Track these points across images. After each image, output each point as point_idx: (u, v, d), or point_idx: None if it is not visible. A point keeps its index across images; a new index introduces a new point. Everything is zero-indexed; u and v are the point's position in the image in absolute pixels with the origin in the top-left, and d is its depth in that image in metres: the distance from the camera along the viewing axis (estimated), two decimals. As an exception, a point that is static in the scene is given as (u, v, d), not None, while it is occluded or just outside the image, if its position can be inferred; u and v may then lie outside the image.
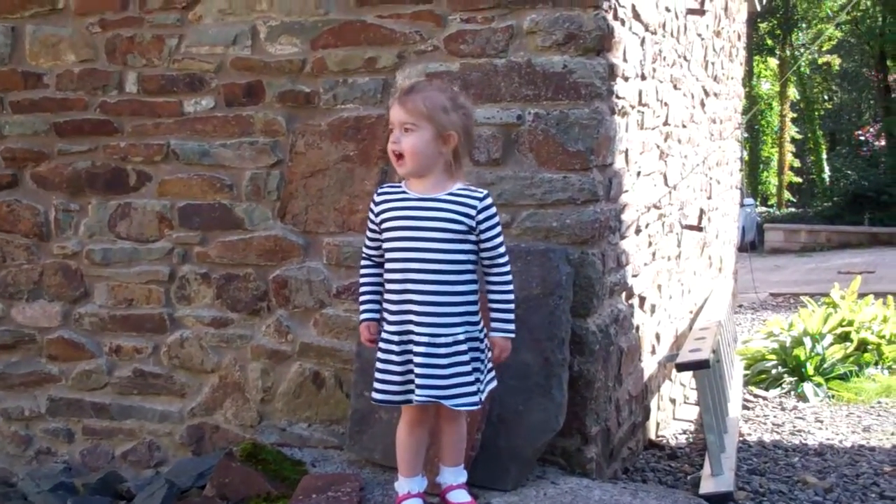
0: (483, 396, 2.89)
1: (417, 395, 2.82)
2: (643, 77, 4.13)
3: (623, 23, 3.71)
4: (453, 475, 3.01)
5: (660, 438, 4.83)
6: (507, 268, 2.90)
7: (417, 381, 2.81)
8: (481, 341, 2.89)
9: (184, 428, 4.11)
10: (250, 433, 3.99)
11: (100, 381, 4.19)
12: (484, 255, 2.87)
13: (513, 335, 2.92)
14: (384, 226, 2.89)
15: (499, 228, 2.87)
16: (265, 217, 3.92)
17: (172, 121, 3.98)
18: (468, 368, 2.83)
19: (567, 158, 3.51)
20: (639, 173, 4.17)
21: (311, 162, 3.83)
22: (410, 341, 2.84)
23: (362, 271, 3.02)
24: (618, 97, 3.68)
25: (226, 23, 3.87)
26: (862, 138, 32.09)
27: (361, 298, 3.01)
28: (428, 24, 3.62)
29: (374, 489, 3.31)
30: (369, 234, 2.97)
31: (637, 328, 4.25)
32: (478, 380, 2.87)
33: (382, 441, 3.47)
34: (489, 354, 2.92)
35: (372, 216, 2.94)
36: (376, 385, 2.90)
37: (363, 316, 3.00)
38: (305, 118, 3.82)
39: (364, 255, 3.01)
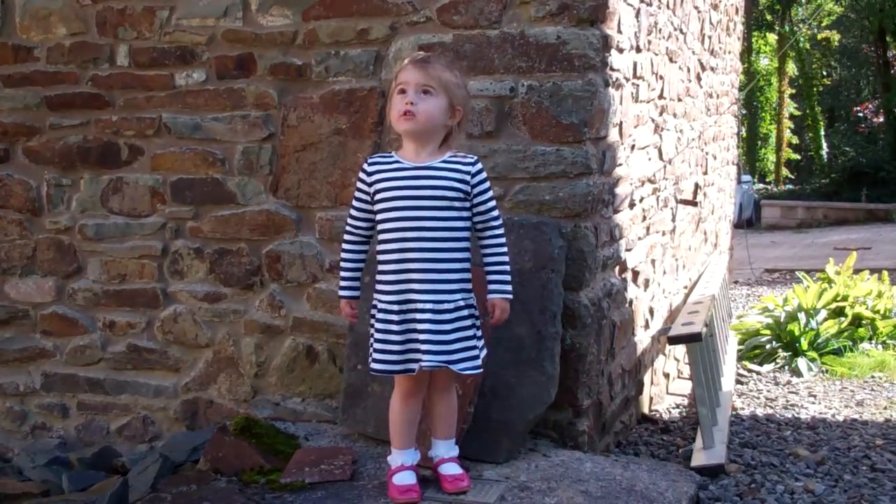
0: (482, 361, 2.93)
1: (426, 362, 2.83)
2: (638, 49, 4.11)
3: (617, -6, 3.68)
4: (445, 448, 3.03)
5: (653, 412, 4.84)
6: (502, 230, 2.94)
7: (424, 347, 2.83)
8: (475, 308, 2.92)
9: (178, 403, 4.11)
10: (244, 408, 3.99)
11: (94, 356, 4.19)
12: (478, 219, 2.91)
13: (510, 296, 2.94)
14: (378, 196, 2.89)
15: (491, 192, 2.93)
16: (258, 191, 3.91)
17: (164, 94, 3.96)
18: (470, 333, 2.88)
19: (560, 131, 3.50)
20: (633, 147, 4.15)
21: (304, 135, 3.81)
22: (412, 310, 2.85)
23: (346, 245, 3.00)
24: (612, 69, 3.66)
25: (216, -6, 3.84)
26: (861, 115, 32.04)
27: (344, 274, 3.01)
28: (421, -5, 3.59)
29: (366, 462, 3.32)
30: (358, 205, 2.95)
31: (630, 302, 4.25)
32: (476, 346, 2.91)
33: (375, 415, 3.47)
34: (479, 321, 2.95)
35: (363, 187, 2.93)
36: (376, 356, 2.91)
37: (346, 293, 3.01)
38: (297, 91, 3.80)
39: (349, 228, 2.99)
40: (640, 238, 4.40)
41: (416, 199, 2.85)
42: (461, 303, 2.87)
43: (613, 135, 3.77)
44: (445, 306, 2.84)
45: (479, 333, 2.94)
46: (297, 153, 3.83)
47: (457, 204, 2.86)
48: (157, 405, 4.14)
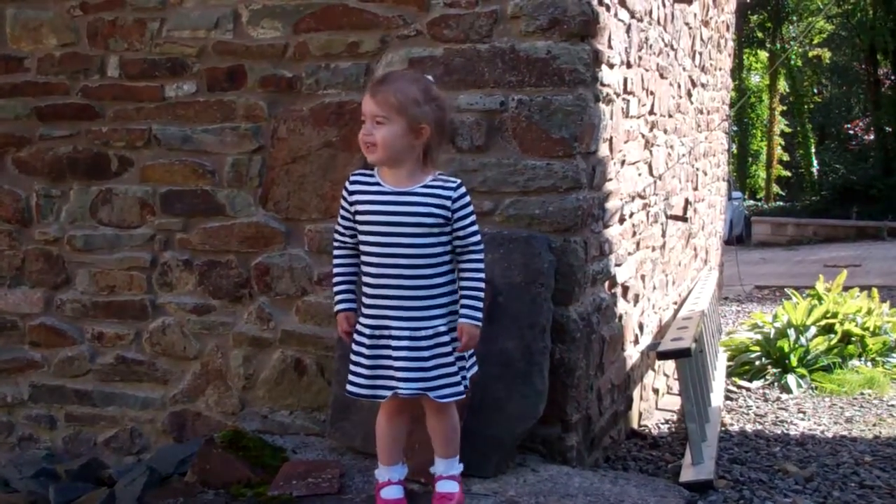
0: (467, 384, 2.88)
1: (402, 390, 2.79)
2: (629, 65, 4.12)
3: (608, 9, 3.69)
4: (445, 466, 2.98)
5: (642, 428, 4.83)
6: (480, 255, 2.85)
7: (400, 374, 2.79)
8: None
9: (166, 415, 4.09)
10: (232, 420, 3.98)
11: (82, 367, 4.17)
12: (457, 243, 2.82)
13: (479, 323, 2.83)
14: (358, 217, 2.86)
15: (472, 217, 2.84)
16: (247, 203, 3.90)
17: (154, 106, 3.96)
18: (451, 359, 2.82)
19: (550, 145, 3.50)
20: (623, 162, 4.16)
21: (293, 148, 3.81)
22: (386, 336, 2.81)
23: (336, 259, 2.96)
24: (602, 84, 3.67)
25: (207, 6, 3.84)
26: (851, 132, 32.18)
27: (336, 288, 2.96)
28: (411, 8, 3.60)
29: (354, 475, 3.31)
30: (342, 220, 2.92)
31: (620, 317, 4.25)
32: (462, 368, 2.86)
33: (363, 428, 3.46)
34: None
35: (345, 203, 2.90)
36: (349, 377, 2.88)
37: (340, 306, 2.94)
38: (287, 103, 3.80)
39: (337, 241, 2.95)
40: (629, 253, 4.41)
41: (393, 226, 2.79)
42: (441, 328, 2.80)
43: (603, 150, 3.78)
44: (422, 333, 2.79)
45: (468, 354, 2.89)
46: (287, 165, 3.83)
47: (436, 230, 2.79)
48: (144, 417, 4.12)
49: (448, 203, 2.79)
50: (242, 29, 3.82)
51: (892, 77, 27.57)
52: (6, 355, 4.26)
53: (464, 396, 2.88)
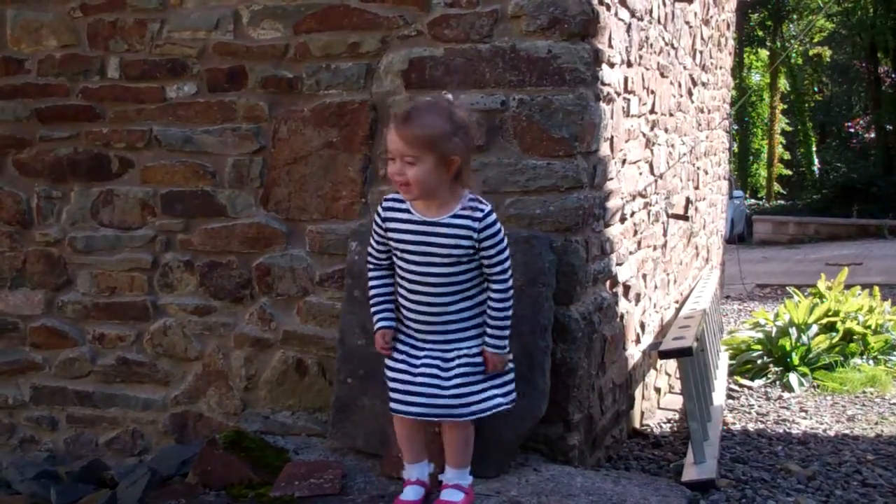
0: (494, 405, 2.93)
1: (420, 414, 2.89)
2: (629, 64, 4.12)
3: (609, 8, 3.69)
4: (453, 475, 2.98)
5: (644, 427, 4.83)
6: (506, 285, 2.88)
7: (420, 399, 2.87)
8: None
9: (167, 416, 4.09)
10: (234, 421, 3.97)
11: (83, 369, 4.17)
12: (485, 269, 2.88)
13: (500, 351, 2.91)
14: (390, 241, 2.92)
15: (499, 246, 2.85)
16: (248, 204, 3.90)
17: (155, 107, 3.95)
18: (476, 378, 2.89)
19: (551, 145, 3.50)
20: (624, 161, 4.16)
21: (294, 148, 3.81)
22: (413, 356, 2.92)
23: (372, 280, 3.02)
24: (603, 83, 3.66)
25: (208, 7, 3.84)
26: (852, 130, 32.20)
27: (375, 308, 3.00)
28: (412, 9, 3.60)
29: (356, 476, 3.31)
30: (376, 238, 2.97)
31: (621, 317, 4.25)
32: (492, 388, 2.92)
33: (365, 428, 3.46)
34: (511, 365, 2.99)
35: (378, 226, 2.95)
36: (391, 395, 2.94)
37: (378, 324, 2.99)
38: (288, 104, 3.80)
39: (371, 260, 3.01)
40: (631, 252, 4.41)
41: (423, 255, 2.85)
42: (469, 351, 2.88)
43: (604, 149, 3.78)
44: (449, 355, 2.88)
45: (503, 381, 2.95)
46: (288, 166, 3.83)
47: (465, 259, 2.84)
48: (146, 418, 4.12)
49: (474, 234, 2.82)
50: (243, 30, 3.82)
51: (893, 75, 27.59)
52: (7, 357, 4.26)
53: (478, 416, 2.92)
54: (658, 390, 5.42)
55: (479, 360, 2.89)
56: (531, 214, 3.52)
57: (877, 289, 7.48)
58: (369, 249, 3.02)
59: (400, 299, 2.95)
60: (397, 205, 2.91)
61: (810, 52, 33.15)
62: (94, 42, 3.99)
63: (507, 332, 2.91)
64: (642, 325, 4.76)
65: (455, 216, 2.82)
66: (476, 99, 3.53)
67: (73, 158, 4.08)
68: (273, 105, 3.82)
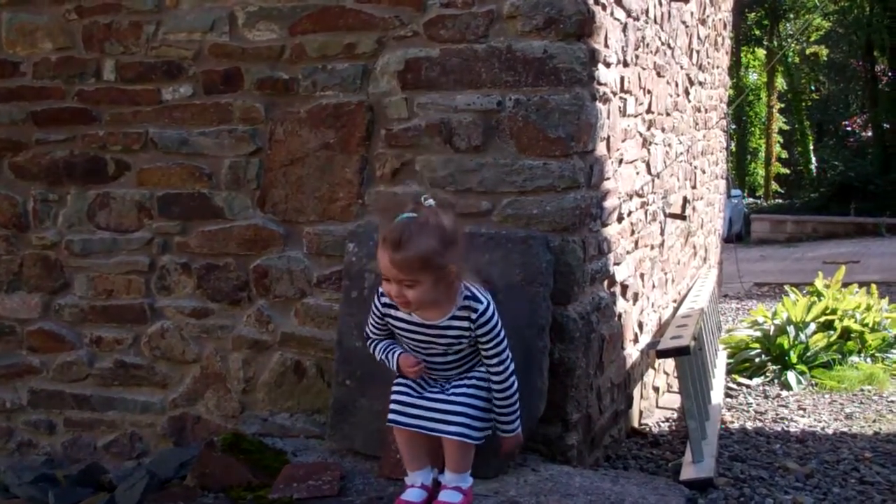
0: (489, 433, 2.99)
1: (413, 423, 2.95)
2: (625, 63, 4.12)
3: (604, 7, 3.69)
4: (454, 479, 2.98)
5: (642, 426, 4.83)
6: (505, 374, 2.92)
7: (434, 414, 2.93)
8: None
9: (165, 419, 4.08)
10: (232, 423, 3.97)
11: (81, 372, 4.16)
12: (483, 355, 2.93)
13: (512, 434, 3.01)
14: (391, 326, 2.99)
15: (497, 337, 2.89)
16: (245, 206, 3.89)
17: (151, 109, 3.95)
18: (480, 403, 2.94)
19: (548, 145, 3.50)
20: (621, 160, 4.16)
21: (291, 150, 3.80)
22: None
23: (372, 347, 3.08)
24: (599, 83, 3.66)
25: (203, 8, 3.83)
26: (849, 129, 32.23)
27: (383, 354, 3.05)
28: (408, 9, 3.59)
29: (354, 478, 3.31)
30: (374, 324, 3.03)
31: (619, 316, 4.25)
32: (491, 421, 2.99)
33: (363, 430, 3.46)
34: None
35: (377, 311, 3.00)
36: (392, 406, 3.00)
37: (395, 357, 3.01)
38: (284, 105, 3.80)
39: (370, 335, 3.07)
40: (628, 252, 4.41)
41: (422, 345, 2.93)
42: (472, 382, 2.95)
43: (601, 149, 3.78)
44: (455, 382, 2.97)
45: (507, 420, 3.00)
46: (285, 168, 3.82)
47: (463, 348, 2.92)
48: (144, 421, 4.11)
49: (471, 326, 2.87)
50: (238, 31, 3.81)
51: (890, 73, 27.62)
52: (5, 361, 4.25)
53: (476, 441, 2.96)
54: (656, 389, 5.42)
55: (482, 392, 2.94)
56: (528, 214, 3.52)
57: (874, 287, 7.48)
58: (367, 327, 3.07)
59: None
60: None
61: (807, 51, 33.20)
62: (90, 44, 3.99)
63: (515, 415, 2.97)
64: (640, 325, 4.76)
65: (453, 318, 2.87)
66: (472, 99, 3.53)
67: (70, 161, 4.07)
68: (269, 106, 3.82)
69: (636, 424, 4.76)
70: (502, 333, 2.91)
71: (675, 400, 5.47)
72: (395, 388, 3.02)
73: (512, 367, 2.93)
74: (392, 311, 2.96)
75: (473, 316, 2.86)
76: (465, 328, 2.87)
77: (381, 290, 2.96)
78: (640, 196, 4.64)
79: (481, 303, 2.87)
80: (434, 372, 2.98)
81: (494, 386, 2.93)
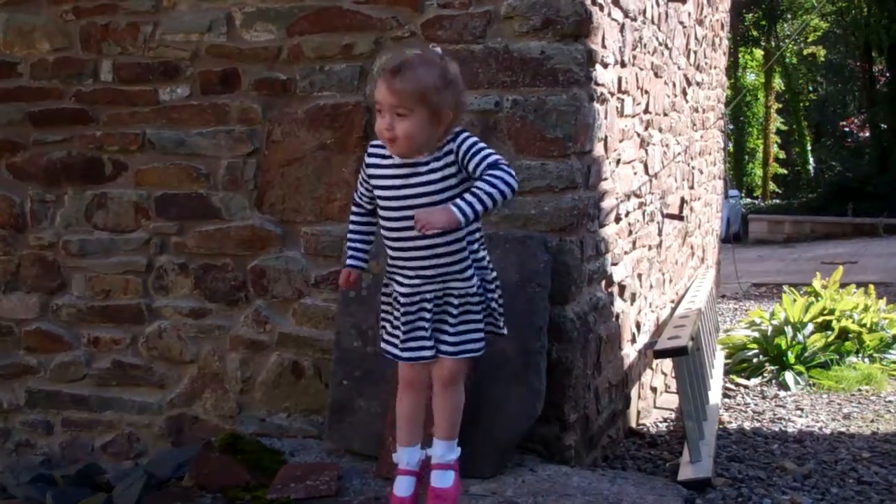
0: (482, 345, 2.86)
1: (418, 353, 2.81)
2: (623, 64, 4.12)
3: (602, 8, 3.69)
4: (442, 449, 2.89)
5: (640, 427, 4.83)
6: (510, 171, 2.61)
7: (418, 333, 2.80)
8: (485, 284, 2.84)
9: (163, 419, 4.09)
10: (230, 424, 3.97)
11: (78, 372, 4.17)
12: (477, 169, 2.65)
13: (459, 218, 2.56)
14: (373, 187, 2.82)
15: (479, 144, 2.69)
16: (242, 206, 3.90)
17: (148, 109, 3.95)
18: (477, 317, 2.82)
19: (545, 145, 3.50)
20: (618, 161, 4.16)
21: (288, 150, 3.81)
22: (419, 301, 2.79)
23: (352, 217, 2.94)
24: (596, 84, 3.67)
25: (201, 9, 3.84)
26: (847, 129, 32.23)
27: (348, 244, 2.95)
28: (405, 10, 3.60)
29: (352, 478, 3.31)
30: (361, 185, 2.89)
31: (617, 316, 4.25)
32: (490, 322, 2.87)
33: (361, 430, 3.46)
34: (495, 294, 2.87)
35: (364, 171, 2.86)
36: (385, 337, 2.90)
37: (347, 262, 2.94)
38: (282, 106, 3.80)
39: (355, 201, 2.92)
40: (626, 252, 4.41)
41: (410, 199, 2.72)
42: (472, 289, 2.78)
43: (598, 149, 3.78)
44: (455, 291, 2.78)
45: (484, 315, 2.85)
46: (282, 168, 3.82)
47: (453, 192, 2.68)
48: (141, 422, 4.11)
49: (452, 157, 2.69)
50: (236, 32, 3.82)
51: (887, 74, 27.63)
52: (2, 361, 4.25)
53: (481, 353, 2.86)
54: (654, 390, 5.42)
55: (480, 296, 2.81)
56: (526, 215, 3.52)
57: (872, 287, 7.48)
58: (357, 188, 2.92)
59: (388, 249, 2.82)
60: (380, 150, 2.81)
61: (805, 52, 33.21)
62: (87, 45, 3.99)
63: (479, 209, 2.58)
64: (638, 325, 4.76)
65: (436, 157, 2.70)
66: (470, 100, 3.51)
67: (67, 162, 4.07)
68: (267, 107, 3.82)
69: (634, 425, 4.76)
70: (481, 142, 2.71)
71: (672, 400, 5.47)
72: (384, 318, 2.90)
73: (515, 180, 2.62)
74: (376, 160, 2.80)
75: (453, 135, 2.69)
76: (451, 162, 2.69)
77: (368, 150, 2.85)
78: (638, 196, 4.64)
79: (455, 131, 2.71)
80: (417, 258, 2.75)
81: (490, 177, 2.59)
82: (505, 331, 2.93)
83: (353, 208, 2.95)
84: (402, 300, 2.81)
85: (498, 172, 2.61)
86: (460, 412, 2.92)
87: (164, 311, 4.03)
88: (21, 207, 4.16)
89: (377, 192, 2.82)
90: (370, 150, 2.87)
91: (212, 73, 3.86)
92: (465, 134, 2.73)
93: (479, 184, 2.61)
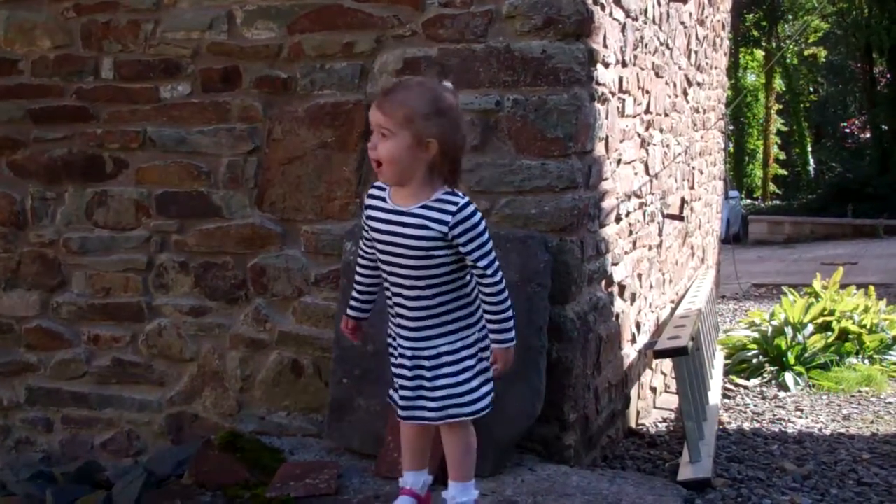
0: (485, 405, 2.75)
1: (401, 414, 2.77)
2: (624, 64, 4.12)
3: (603, 8, 3.69)
4: (456, 491, 2.81)
5: (640, 427, 4.83)
6: (495, 279, 2.65)
7: (401, 401, 2.75)
8: (472, 348, 2.74)
9: (163, 417, 4.08)
10: (229, 422, 3.97)
11: (78, 370, 4.16)
12: (468, 263, 2.65)
13: (511, 344, 2.73)
14: (371, 229, 2.77)
15: (479, 239, 2.62)
16: (243, 205, 3.89)
17: (149, 107, 3.95)
18: (459, 380, 2.70)
19: (546, 145, 3.50)
20: (619, 161, 4.16)
21: (289, 149, 3.80)
22: (396, 354, 2.78)
23: (357, 268, 2.90)
24: (598, 83, 3.67)
25: (202, 7, 3.83)
26: (847, 131, 32.23)
27: (352, 293, 2.91)
28: (406, 8, 3.60)
29: (352, 476, 3.31)
30: (363, 232, 2.83)
31: (617, 316, 4.25)
32: (465, 390, 2.72)
33: (360, 429, 3.46)
34: (485, 362, 2.77)
35: (364, 215, 2.82)
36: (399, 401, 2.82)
37: (349, 312, 2.91)
38: (282, 104, 3.80)
39: (360, 250, 2.88)
40: (626, 252, 4.41)
41: (393, 246, 2.68)
42: (444, 348, 2.69)
43: (599, 149, 3.78)
44: (425, 353, 2.70)
45: (478, 374, 2.74)
46: (283, 166, 3.82)
47: (437, 252, 2.63)
48: (141, 419, 4.11)
49: (448, 218, 2.60)
50: (237, 30, 3.81)
51: (888, 75, 27.63)
52: (2, 358, 4.25)
53: (472, 417, 2.75)
54: (654, 390, 5.42)
55: (454, 357, 2.70)
56: (526, 215, 3.52)
57: (872, 288, 7.48)
58: (361, 242, 2.88)
59: (385, 294, 2.79)
60: (378, 192, 2.77)
61: (805, 53, 33.20)
62: (88, 42, 3.99)
63: (510, 325, 2.71)
64: (638, 325, 4.76)
65: (424, 206, 2.62)
66: (471, 99, 3.53)
67: (68, 159, 4.07)
68: (267, 105, 3.82)
69: (633, 425, 4.76)
70: (487, 234, 2.64)
71: (672, 400, 5.47)
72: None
73: (501, 273, 2.67)
74: (372, 202, 2.74)
75: (451, 208, 2.60)
76: (436, 228, 2.60)
77: (369, 191, 2.80)
78: (639, 196, 4.64)
79: (462, 198, 2.63)
80: (404, 308, 2.71)
81: (486, 298, 2.67)
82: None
83: (359, 260, 2.89)
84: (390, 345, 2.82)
85: (489, 290, 2.67)
86: (471, 453, 2.82)
87: (165, 309, 4.03)
88: (21, 205, 4.15)
89: (371, 236, 2.76)
90: (370, 192, 2.81)
91: (213, 70, 3.86)
92: (469, 223, 2.62)
93: (486, 308, 2.71)
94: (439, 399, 2.71)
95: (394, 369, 2.81)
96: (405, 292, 2.71)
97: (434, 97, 2.62)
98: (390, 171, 2.63)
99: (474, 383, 2.73)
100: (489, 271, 2.65)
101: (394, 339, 2.80)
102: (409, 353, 2.73)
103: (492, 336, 2.73)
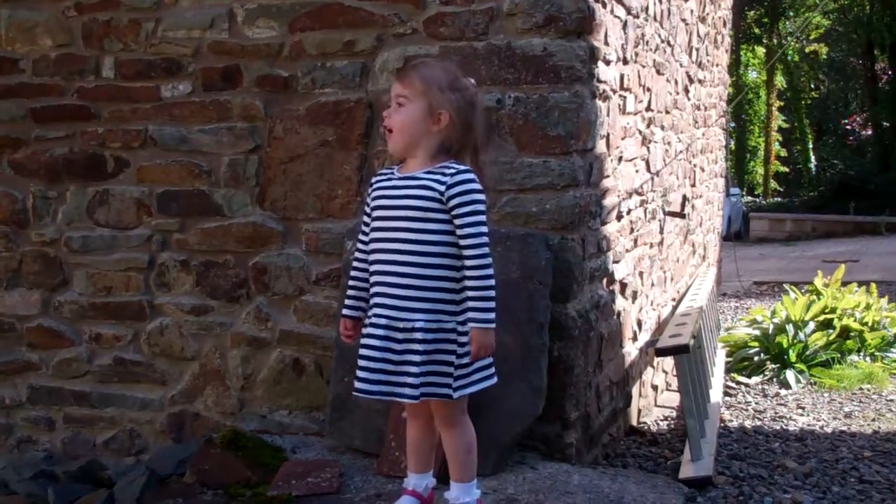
0: (452, 392, 2.68)
1: (359, 386, 2.69)
2: (625, 61, 4.12)
3: (604, 5, 3.69)
4: (458, 492, 2.80)
5: (641, 425, 4.83)
6: (482, 251, 2.64)
7: (362, 373, 2.68)
8: (451, 332, 2.68)
9: (164, 415, 4.09)
10: (231, 420, 3.97)
11: (80, 369, 4.17)
12: (458, 233, 2.65)
13: (489, 326, 2.65)
14: (373, 212, 2.77)
15: (474, 206, 2.64)
16: (244, 203, 3.89)
17: (150, 106, 3.95)
18: (421, 359, 2.63)
19: (547, 143, 3.50)
20: (620, 158, 4.16)
21: (290, 147, 3.81)
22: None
23: (353, 264, 2.87)
24: (599, 81, 3.66)
25: (202, 6, 3.84)
26: (849, 128, 32.20)
27: (347, 292, 2.89)
28: (407, 6, 3.60)
29: (353, 475, 3.31)
30: (363, 224, 2.83)
31: (618, 314, 4.25)
32: (455, 371, 2.67)
33: (362, 427, 3.47)
34: (464, 350, 2.69)
35: (367, 203, 2.82)
36: (357, 373, 2.72)
37: (344, 311, 2.88)
38: (283, 103, 3.80)
39: (357, 245, 2.86)
40: (627, 250, 4.41)
41: (393, 209, 2.70)
42: (419, 324, 2.63)
43: (600, 147, 3.78)
44: (399, 325, 2.64)
45: (454, 360, 2.67)
46: (284, 165, 3.82)
47: (434, 216, 2.65)
48: (143, 418, 4.11)
49: (442, 188, 2.63)
50: (238, 28, 3.81)
51: (890, 72, 27.61)
52: (4, 357, 4.25)
53: (416, 401, 2.66)
54: (655, 388, 5.42)
55: (423, 336, 2.63)
56: (527, 212, 3.52)
57: (874, 286, 7.47)
58: (359, 235, 2.87)
59: (372, 273, 2.76)
60: (384, 173, 2.82)
61: (807, 50, 33.15)
62: (89, 41, 3.99)
63: (491, 304, 2.64)
64: (639, 323, 4.76)
65: (428, 172, 2.68)
66: (472, 97, 3.52)
67: (69, 158, 4.07)
68: (268, 104, 3.82)
69: (635, 423, 4.76)
70: (481, 209, 2.66)
71: (673, 398, 5.47)
72: (361, 351, 2.73)
73: (489, 252, 2.67)
74: (378, 182, 2.79)
75: (452, 169, 2.65)
76: (435, 180, 2.65)
77: (373, 178, 2.84)
78: (640, 194, 4.64)
79: (463, 166, 2.68)
80: (390, 275, 2.68)
81: (470, 263, 2.64)
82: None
83: (356, 253, 2.87)
84: (375, 328, 2.73)
85: (475, 262, 2.64)
86: (472, 453, 2.80)
87: (166, 308, 4.03)
88: (23, 204, 4.16)
89: (375, 205, 2.76)
90: (373, 181, 2.84)
91: (213, 69, 3.86)
92: (464, 187, 2.65)
93: (469, 284, 2.66)
94: (399, 375, 2.65)
95: (363, 341, 2.72)
96: (399, 257, 2.68)
97: (453, 76, 2.75)
98: (399, 138, 2.72)
99: (441, 367, 2.67)
100: (478, 241, 2.65)
101: (369, 318, 2.74)
102: (383, 321, 2.67)
103: (471, 314, 2.66)
